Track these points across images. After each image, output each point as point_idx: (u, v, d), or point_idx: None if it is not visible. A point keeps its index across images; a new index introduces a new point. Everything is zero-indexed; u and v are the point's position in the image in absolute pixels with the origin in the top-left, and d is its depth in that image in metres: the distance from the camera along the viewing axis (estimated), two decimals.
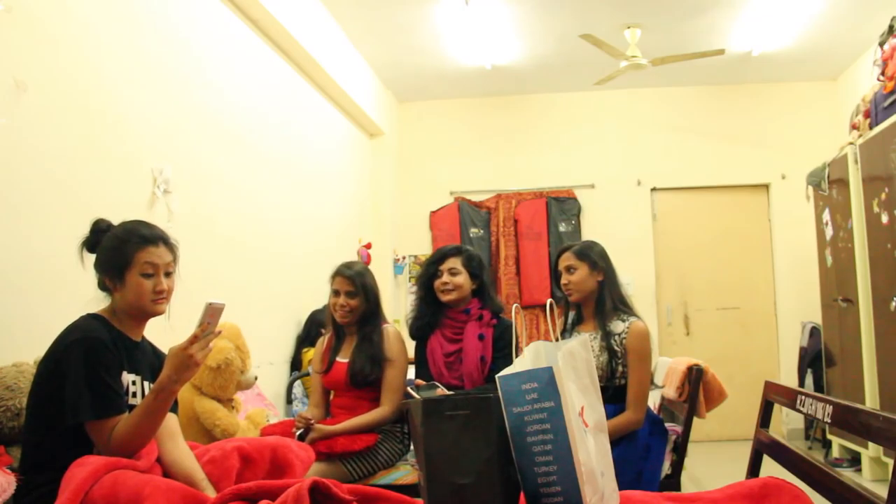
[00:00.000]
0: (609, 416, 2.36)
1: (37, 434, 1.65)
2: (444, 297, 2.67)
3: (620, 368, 2.47)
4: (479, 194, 6.21)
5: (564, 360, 1.27)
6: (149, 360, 1.86)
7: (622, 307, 2.55)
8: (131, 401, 1.74)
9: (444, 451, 1.24)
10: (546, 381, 1.23)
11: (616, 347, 2.47)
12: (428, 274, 2.71)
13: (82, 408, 1.59)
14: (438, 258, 2.70)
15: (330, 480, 1.36)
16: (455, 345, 2.63)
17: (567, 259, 2.58)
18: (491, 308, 2.71)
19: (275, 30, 3.88)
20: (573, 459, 1.21)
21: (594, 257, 2.56)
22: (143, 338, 1.88)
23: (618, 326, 2.50)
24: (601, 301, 2.54)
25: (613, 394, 2.45)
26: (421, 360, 2.70)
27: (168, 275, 1.82)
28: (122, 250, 1.76)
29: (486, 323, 2.66)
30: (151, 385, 1.76)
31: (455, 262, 2.67)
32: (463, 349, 2.60)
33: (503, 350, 2.62)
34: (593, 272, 2.56)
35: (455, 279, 2.65)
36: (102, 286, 1.82)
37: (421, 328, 2.75)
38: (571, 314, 2.67)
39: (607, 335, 2.49)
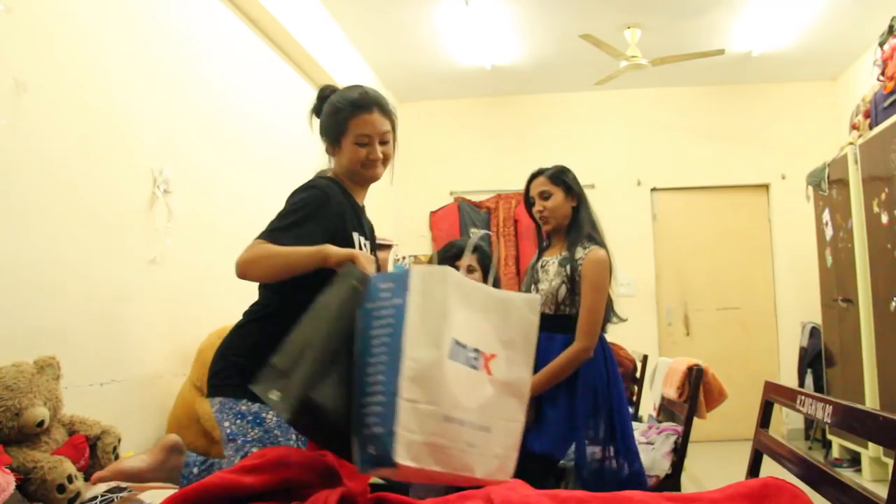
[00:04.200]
0: (560, 347, 2.31)
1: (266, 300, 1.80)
2: None
3: (569, 295, 2.34)
4: (479, 194, 6.21)
5: (456, 286, 1.23)
6: (370, 227, 1.91)
7: (594, 234, 2.43)
8: None
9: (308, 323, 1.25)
10: (401, 280, 1.21)
11: (571, 274, 2.34)
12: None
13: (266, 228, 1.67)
14: (456, 254, 2.63)
15: (356, 491, 1.36)
16: None
17: (541, 184, 2.45)
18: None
19: (275, 30, 3.88)
20: (401, 367, 1.15)
21: (569, 182, 2.44)
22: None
23: (578, 253, 2.38)
24: (575, 227, 2.42)
25: (563, 322, 2.35)
26: None
27: (384, 143, 1.82)
28: (338, 117, 1.79)
29: None
30: (370, 248, 1.83)
31: (471, 259, 2.65)
32: None
33: None
34: (568, 197, 2.44)
35: (471, 276, 2.62)
36: (329, 151, 1.89)
37: None
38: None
39: (565, 260, 2.37)
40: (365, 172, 1.83)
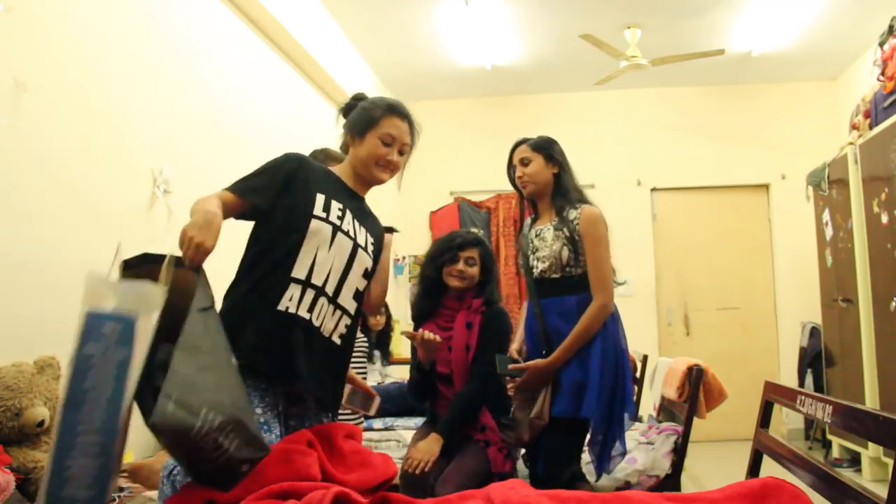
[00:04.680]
0: (574, 308, 2.34)
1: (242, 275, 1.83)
2: (454, 283, 2.61)
3: (573, 256, 2.37)
4: (479, 194, 6.21)
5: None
6: (367, 214, 1.94)
7: (578, 195, 2.48)
8: (335, 220, 1.76)
9: None
10: (127, 326, 1.13)
11: (571, 234, 2.38)
12: (444, 258, 2.65)
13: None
14: (460, 244, 2.64)
15: (350, 490, 1.37)
16: (446, 332, 2.59)
17: (522, 152, 2.50)
18: (485, 297, 2.65)
19: (275, 30, 3.88)
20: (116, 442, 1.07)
21: (550, 150, 2.48)
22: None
23: (571, 214, 2.41)
24: (559, 193, 2.46)
25: (572, 283, 2.38)
26: (413, 347, 2.66)
27: (401, 153, 1.90)
28: (373, 111, 1.88)
29: (474, 310, 2.62)
30: (362, 227, 1.85)
31: (473, 253, 2.63)
32: (452, 337, 2.58)
33: (489, 339, 2.57)
34: (549, 164, 2.47)
35: (471, 269, 2.61)
36: (344, 148, 1.94)
37: (421, 315, 2.70)
38: (528, 222, 2.60)
39: (560, 223, 2.40)
40: (375, 171, 1.87)
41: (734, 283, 6.07)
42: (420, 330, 2.54)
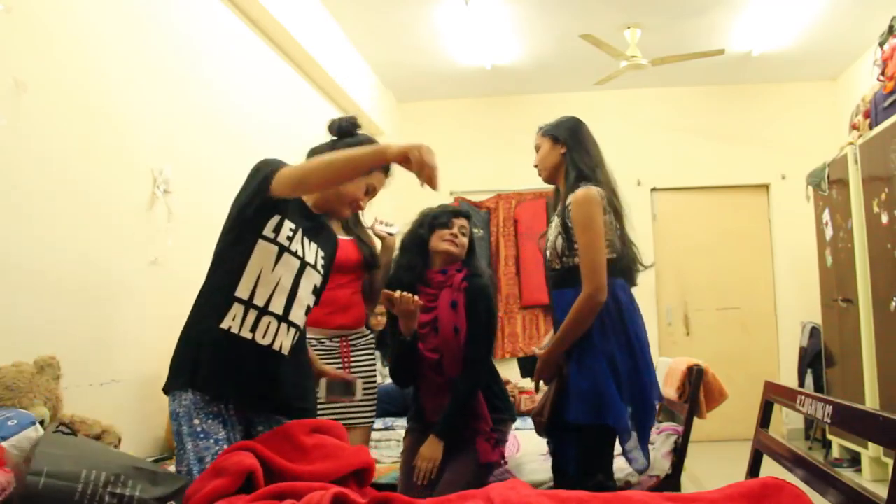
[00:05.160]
0: (570, 302, 2.14)
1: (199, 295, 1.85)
2: (446, 248, 2.47)
3: (567, 245, 2.20)
4: (479, 194, 6.21)
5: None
6: (325, 236, 1.96)
7: (586, 173, 2.27)
8: (283, 241, 1.79)
9: None
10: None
11: (564, 221, 2.21)
12: (439, 221, 2.52)
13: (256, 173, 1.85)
14: (454, 212, 2.56)
15: (349, 490, 1.37)
16: (429, 314, 2.44)
17: (535, 140, 2.44)
18: (469, 269, 2.50)
19: (275, 30, 3.88)
20: None
21: (557, 131, 2.37)
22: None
23: (568, 199, 2.23)
24: (567, 175, 2.29)
25: (570, 275, 2.19)
26: (395, 331, 2.46)
27: (367, 194, 1.99)
28: None
29: (456, 287, 2.45)
30: (313, 243, 1.88)
31: (465, 223, 2.56)
32: (438, 318, 2.42)
33: (477, 318, 2.42)
34: (556, 145, 2.35)
35: (463, 238, 2.51)
36: None
37: (401, 289, 2.38)
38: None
39: (560, 211, 2.25)
40: (344, 209, 1.96)
41: (734, 283, 6.07)
42: (397, 291, 2.33)
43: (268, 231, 1.76)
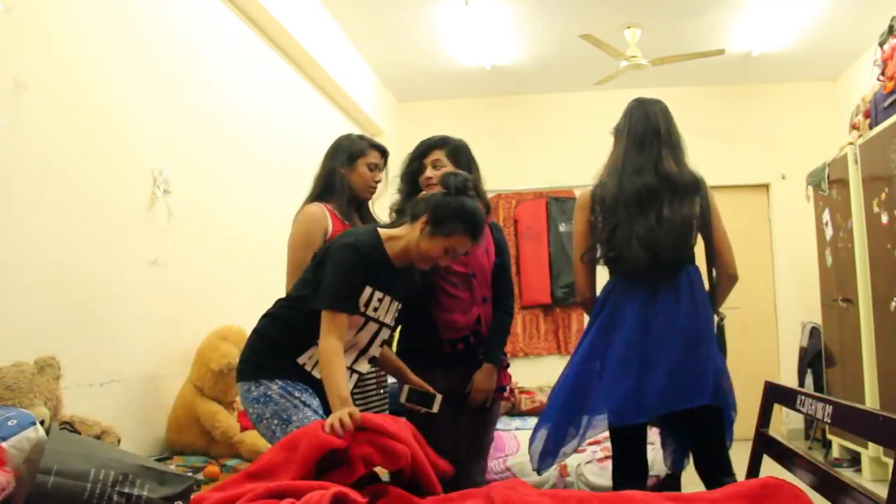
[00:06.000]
0: None
1: (286, 307, 2.01)
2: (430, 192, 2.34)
3: None
4: None
5: None
6: (403, 285, 2.06)
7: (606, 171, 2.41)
8: (370, 313, 1.96)
9: None
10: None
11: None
12: (412, 170, 2.40)
13: (325, 295, 1.88)
14: (422, 151, 2.39)
15: (349, 490, 1.37)
16: None
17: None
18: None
19: (275, 30, 3.88)
20: None
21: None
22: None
23: None
24: None
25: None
26: None
27: (447, 253, 2.01)
28: (455, 227, 1.95)
29: None
30: (395, 302, 2.02)
31: (440, 155, 2.36)
32: None
33: (502, 252, 2.46)
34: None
35: (439, 172, 2.27)
36: (413, 218, 2.00)
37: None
38: None
39: None
40: (424, 265, 2.04)
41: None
42: None
43: (360, 305, 1.94)
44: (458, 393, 2.28)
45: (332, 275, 1.87)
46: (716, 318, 2.33)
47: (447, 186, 1.98)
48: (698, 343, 2.19)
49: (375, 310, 1.97)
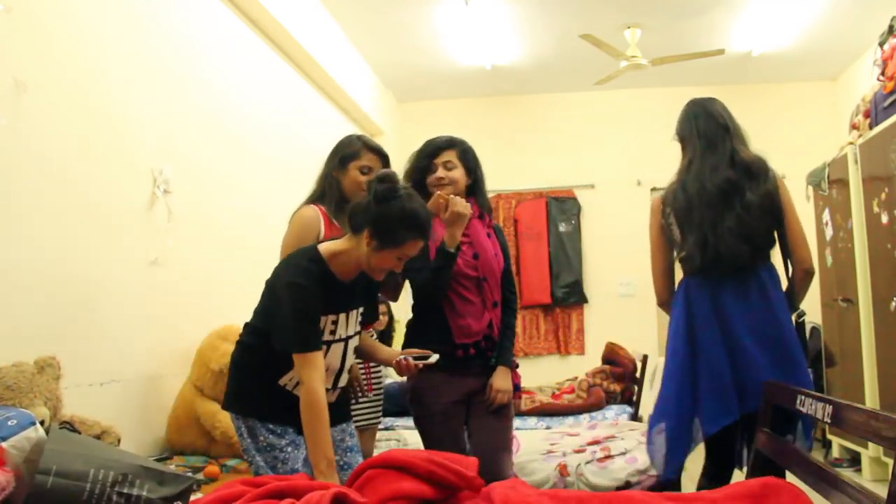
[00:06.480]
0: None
1: (255, 336, 1.96)
2: (432, 190, 2.35)
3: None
4: None
5: None
6: (360, 291, 2.01)
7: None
8: (328, 337, 1.91)
9: None
10: None
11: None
12: (420, 168, 2.37)
13: (288, 341, 1.84)
14: (432, 151, 2.37)
15: (349, 490, 1.37)
16: (465, 237, 2.33)
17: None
18: (485, 208, 2.50)
19: (275, 30, 3.88)
20: None
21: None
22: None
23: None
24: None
25: None
26: (422, 268, 2.28)
27: (400, 260, 1.95)
28: (401, 235, 1.88)
29: (486, 224, 2.45)
30: (353, 312, 1.97)
31: (451, 156, 2.37)
32: (474, 242, 2.34)
33: (507, 256, 2.47)
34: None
35: (451, 173, 2.34)
36: (353, 230, 1.92)
37: None
38: None
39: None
40: (378, 275, 1.96)
41: None
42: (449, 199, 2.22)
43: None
44: (474, 395, 2.29)
45: (291, 319, 1.81)
46: (794, 317, 2.33)
47: (375, 196, 1.87)
48: (779, 342, 2.23)
49: (333, 332, 1.92)
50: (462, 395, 2.25)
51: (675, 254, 2.38)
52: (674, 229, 2.35)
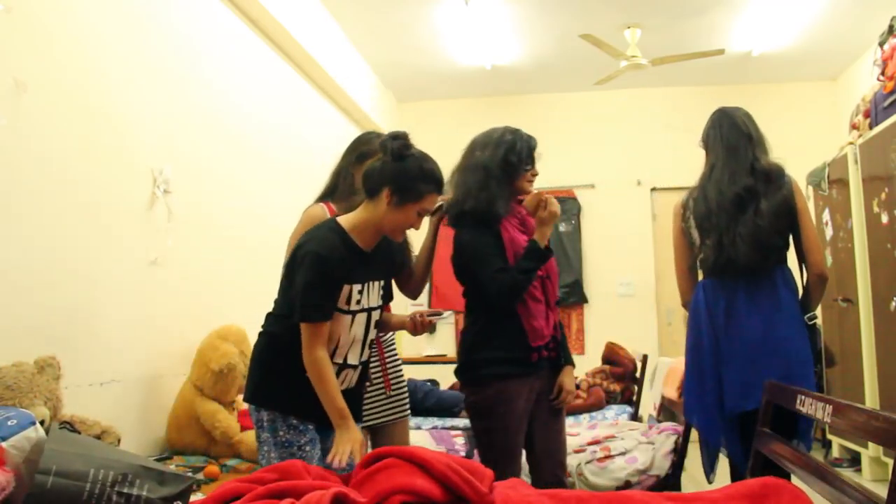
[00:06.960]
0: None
1: (278, 324, 1.95)
2: (530, 189, 2.46)
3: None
4: None
5: None
6: (380, 263, 2.02)
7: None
8: (354, 307, 1.92)
9: None
10: None
11: None
12: (523, 162, 2.44)
13: (296, 309, 1.84)
14: (533, 155, 2.47)
15: (349, 490, 1.37)
16: (524, 236, 2.39)
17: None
18: None
19: (275, 30, 3.88)
20: None
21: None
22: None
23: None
24: None
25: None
26: (496, 251, 2.29)
27: (420, 215, 1.98)
28: (421, 187, 1.91)
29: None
30: (375, 283, 1.98)
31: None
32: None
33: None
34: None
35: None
36: (370, 194, 1.92)
37: (495, 212, 2.33)
38: None
39: None
40: (399, 234, 2.00)
41: None
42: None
43: (341, 304, 1.90)
44: (544, 396, 2.29)
45: (302, 286, 1.82)
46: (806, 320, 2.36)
47: (390, 154, 1.90)
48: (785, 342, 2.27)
49: (359, 302, 1.93)
50: (532, 398, 2.24)
51: (698, 256, 2.45)
52: (693, 232, 2.43)
